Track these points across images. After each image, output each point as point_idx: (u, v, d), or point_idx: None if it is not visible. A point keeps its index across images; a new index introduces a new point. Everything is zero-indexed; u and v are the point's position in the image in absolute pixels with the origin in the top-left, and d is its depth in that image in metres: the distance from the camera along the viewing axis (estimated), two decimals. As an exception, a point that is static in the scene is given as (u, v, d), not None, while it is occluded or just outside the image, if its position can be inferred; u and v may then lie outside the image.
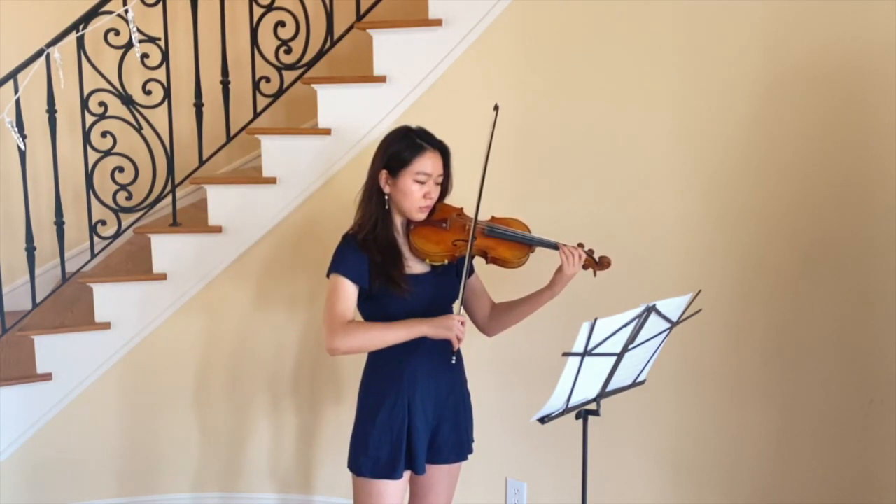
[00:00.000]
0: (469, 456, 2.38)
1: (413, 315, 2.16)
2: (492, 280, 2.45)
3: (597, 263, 2.30)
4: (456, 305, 2.18)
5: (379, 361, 2.25)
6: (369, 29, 2.98)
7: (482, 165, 2.20)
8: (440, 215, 2.25)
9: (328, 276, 2.20)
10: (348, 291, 2.15)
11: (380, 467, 2.21)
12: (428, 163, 2.17)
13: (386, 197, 2.19)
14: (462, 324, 2.12)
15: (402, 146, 2.17)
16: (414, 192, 2.17)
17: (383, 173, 2.18)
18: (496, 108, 2.22)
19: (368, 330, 2.15)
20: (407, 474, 2.26)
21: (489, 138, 2.20)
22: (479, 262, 2.31)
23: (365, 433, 2.23)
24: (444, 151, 2.22)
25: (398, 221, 2.24)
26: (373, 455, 2.21)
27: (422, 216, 2.21)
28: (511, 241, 2.26)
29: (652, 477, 2.88)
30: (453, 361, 2.18)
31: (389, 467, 2.21)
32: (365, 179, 2.23)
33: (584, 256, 2.24)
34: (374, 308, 2.20)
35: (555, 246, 2.25)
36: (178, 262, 3.19)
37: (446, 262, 2.21)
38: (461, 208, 2.29)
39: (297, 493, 3.29)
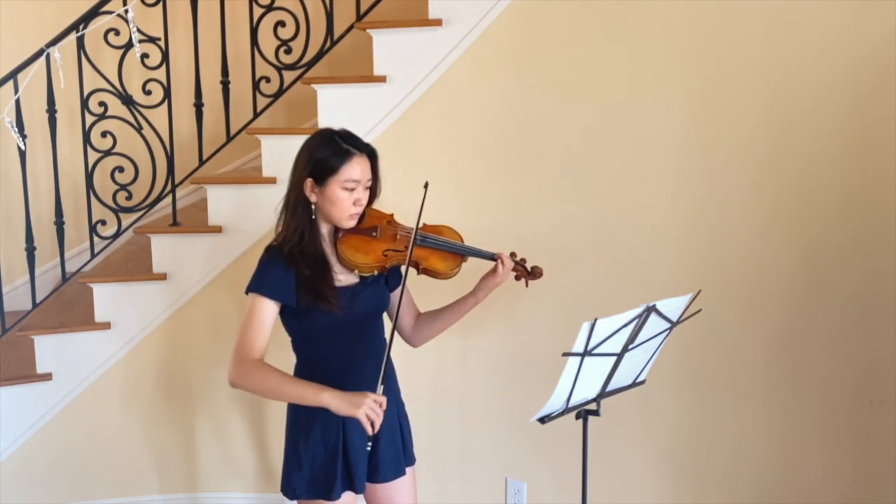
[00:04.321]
0: (408, 469, 2.26)
1: (340, 329, 2.07)
2: (418, 288, 2.38)
3: (528, 273, 2.27)
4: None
5: (307, 376, 2.07)
6: (369, 29, 2.98)
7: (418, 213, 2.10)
8: (369, 223, 2.14)
9: (247, 292, 2.06)
10: (265, 316, 2.02)
11: (316, 487, 2.09)
12: (357, 169, 2.03)
13: (312, 206, 2.06)
14: (380, 405, 1.90)
15: (329, 153, 2.03)
16: (343, 200, 2.03)
17: (308, 182, 2.04)
18: (426, 185, 2.10)
19: (267, 379, 1.98)
20: (349, 496, 2.13)
21: (419, 213, 2.09)
22: (409, 273, 2.15)
23: (297, 453, 2.10)
24: (371, 155, 2.08)
25: (325, 230, 2.11)
26: (307, 475, 2.09)
27: (352, 223, 2.08)
28: (443, 252, 2.19)
29: (652, 477, 2.88)
30: (367, 448, 1.98)
31: (326, 487, 2.08)
32: (287, 188, 2.10)
33: (512, 265, 2.22)
34: (300, 323, 2.08)
35: (489, 255, 2.21)
36: (178, 262, 3.19)
37: (376, 272, 2.11)
38: (391, 215, 2.20)
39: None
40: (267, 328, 2.03)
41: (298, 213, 2.07)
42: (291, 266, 2.03)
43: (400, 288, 2.17)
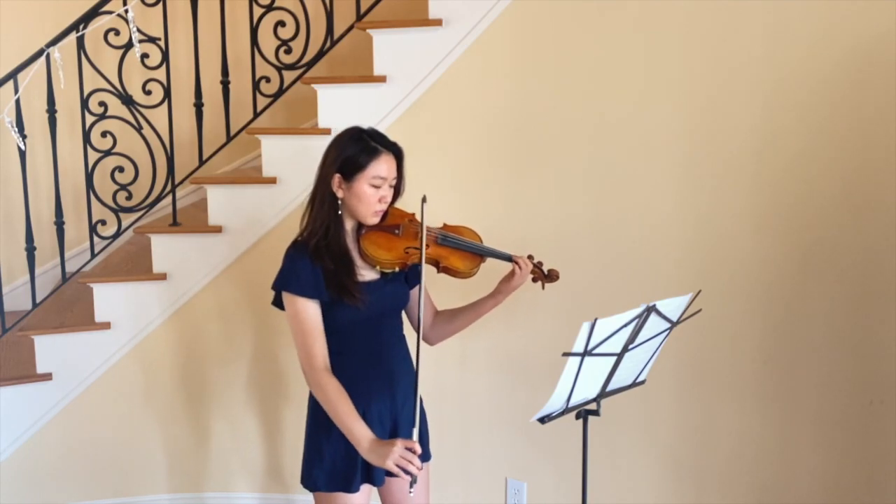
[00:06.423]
0: (424, 465, 2.25)
1: (360, 324, 2.11)
2: (436, 286, 2.40)
3: (545, 276, 2.30)
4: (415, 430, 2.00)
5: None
6: (369, 29, 2.98)
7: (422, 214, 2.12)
8: (392, 221, 2.19)
9: (276, 288, 2.10)
10: (311, 316, 2.07)
11: (336, 479, 2.13)
12: (383, 166, 2.08)
13: (339, 202, 2.11)
14: (412, 451, 1.94)
15: (357, 150, 2.07)
16: (370, 197, 2.08)
17: (336, 177, 2.08)
18: (424, 199, 2.12)
19: (330, 400, 2.04)
20: (368, 489, 2.17)
21: (421, 221, 2.12)
22: (428, 270, 2.19)
23: (318, 446, 2.14)
24: (398, 154, 2.13)
25: (349, 227, 2.15)
26: (328, 468, 2.13)
27: (376, 220, 2.13)
28: (463, 251, 2.23)
29: (652, 477, 2.88)
30: (410, 493, 2.03)
31: (346, 480, 2.12)
32: (314, 184, 2.14)
33: (531, 267, 2.25)
34: (322, 317, 2.11)
35: (508, 257, 2.25)
36: (178, 262, 3.19)
37: (397, 269, 2.15)
38: (413, 214, 2.24)
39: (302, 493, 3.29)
40: (319, 327, 2.08)
41: (325, 209, 2.11)
42: (317, 261, 2.07)
43: (419, 288, 2.20)
